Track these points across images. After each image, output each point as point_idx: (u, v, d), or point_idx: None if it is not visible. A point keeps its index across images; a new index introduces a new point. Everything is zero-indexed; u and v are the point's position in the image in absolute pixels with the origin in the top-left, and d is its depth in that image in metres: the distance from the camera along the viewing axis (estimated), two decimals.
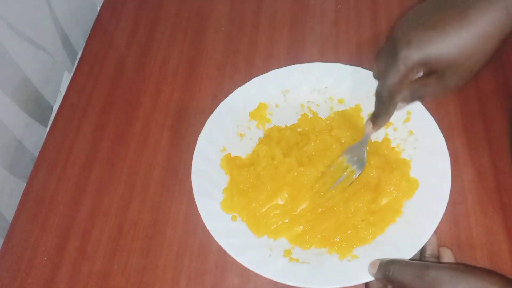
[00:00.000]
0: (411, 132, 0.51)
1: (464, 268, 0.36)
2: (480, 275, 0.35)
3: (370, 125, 0.47)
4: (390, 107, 0.43)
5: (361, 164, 0.48)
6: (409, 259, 0.42)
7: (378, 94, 0.42)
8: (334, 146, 0.50)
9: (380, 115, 0.45)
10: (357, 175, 0.48)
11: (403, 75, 0.39)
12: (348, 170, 0.48)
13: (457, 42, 0.36)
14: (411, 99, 0.42)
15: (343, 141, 0.51)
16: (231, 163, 0.51)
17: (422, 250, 0.44)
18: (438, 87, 0.40)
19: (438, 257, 0.44)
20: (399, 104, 0.44)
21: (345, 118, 0.53)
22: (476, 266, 0.38)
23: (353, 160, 0.49)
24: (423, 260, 0.44)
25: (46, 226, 0.52)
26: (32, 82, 0.61)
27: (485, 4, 0.35)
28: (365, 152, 0.48)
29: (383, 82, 0.41)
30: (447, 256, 0.43)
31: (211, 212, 0.47)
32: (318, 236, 0.46)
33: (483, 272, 0.35)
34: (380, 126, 0.47)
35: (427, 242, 0.43)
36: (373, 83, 0.53)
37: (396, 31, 0.39)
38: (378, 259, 0.41)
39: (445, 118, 0.54)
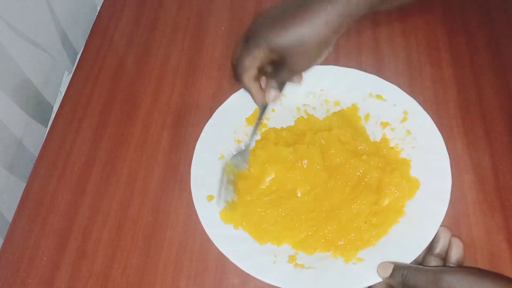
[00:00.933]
0: (408, 132, 0.51)
1: (479, 272, 0.36)
2: (496, 280, 0.35)
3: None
4: (239, 83, 0.49)
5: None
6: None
7: (233, 69, 0.49)
8: (335, 145, 0.50)
9: (251, 95, 0.50)
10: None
11: (253, 61, 0.47)
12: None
13: (297, 33, 0.44)
14: (275, 84, 0.48)
15: (343, 140, 0.51)
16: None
17: (432, 247, 0.44)
18: (287, 71, 0.48)
19: (443, 257, 0.44)
20: (271, 92, 0.48)
21: (344, 118, 0.53)
22: (491, 271, 0.38)
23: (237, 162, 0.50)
24: (428, 258, 0.43)
25: (46, 226, 0.52)
26: (32, 82, 0.61)
27: (320, 7, 0.44)
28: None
29: (239, 62, 0.48)
30: (457, 247, 0.43)
31: (212, 220, 0.46)
32: (322, 240, 0.46)
33: (498, 277, 0.36)
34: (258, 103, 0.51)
35: (439, 240, 0.43)
36: (369, 85, 0.53)
37: (253, 27, 0.47)
38: (388, 262, 0.41)
39: (445, 118, 0.54)
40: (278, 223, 0.47)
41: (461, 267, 0.40)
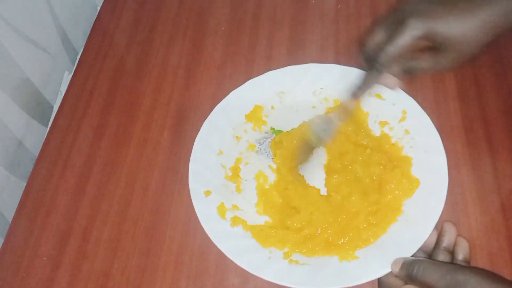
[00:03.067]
0: (407, 131, 0.51)
1: (492, 275, 0.36)
2: (507, 285, 0.35)
3: (349, 98, 0.47)
4: (377, 78, 0.44)
5: (324, 137, 0.48)
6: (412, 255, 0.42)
7: (368, 61, 0.43)
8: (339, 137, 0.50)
9: (364, 84, 0.45)
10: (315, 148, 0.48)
11: (408, 44, 0.40)
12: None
13: (464, 23, 0.38)
14: (403, 72, 0.43)
15: (345, 132, 0.51)
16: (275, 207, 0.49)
17: (438, 242, 0.44)
18: (432, 64, 0.42)
19: (451, 251, 0.44)
20: (389, 79, 0.44)
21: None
22: (503, 277, 0.38)
23: (319, 130, 0.48)
24: (436, 251, 0.44)
25: (46, 226, 0.52)
26: (32, 82, 0.61)
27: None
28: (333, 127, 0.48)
29: (385, 49, 0.41)
30: (463, 247, 0.43)
31: (209, 216, 0.47)
32: (322, 243, 0.46)
33: (508, 283, 0.35)
34: (358, 97, 0.47)
35: (446, 234, 0.43)
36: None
37: (406, 4, 0.41)
38: (401, 258, 0.41)
39: (445, 118, 0.54)
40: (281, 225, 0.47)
41: (477, 268, 0.40)
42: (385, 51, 0.41)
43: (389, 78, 0.44)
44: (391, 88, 0.45)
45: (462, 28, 0.39)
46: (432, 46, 0.41)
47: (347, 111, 0.48)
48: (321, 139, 0.48)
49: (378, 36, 0.43)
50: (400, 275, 0.41)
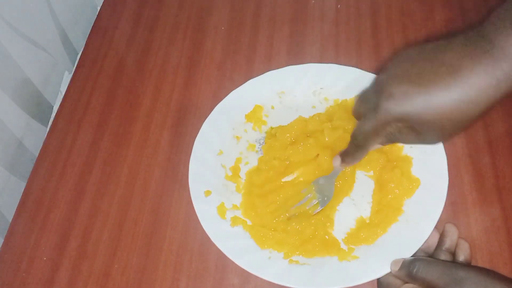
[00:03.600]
0: None
1: (493, 273, 0.36)
2: (508, 283, 0.35)
3: (339, 160, 0.46)
4: (362, 151, 0.43)
5: (327, 197, 0.48)
6: (411, 255, 0.42)
7: (353, 136, 0.42)
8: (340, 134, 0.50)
9: (350, 155, 0.44)
10: (320, 209, 0.47)
11: (380, 126, 0.38)
12: (312, 201, 0.48)
13: (440, 104, 0.34)
14: (387, 142, 0.42)
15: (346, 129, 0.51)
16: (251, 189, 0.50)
17: (440, 243, 0.44)
18: (414, 140, 0.39)
19: (453, 252, 0.44)
20: (376, 146, 0.44)
21: (346, 110, 0.53)
22: (505, 275, 0.38)
23: (321, 191, 0.48)
24: (438, 252, 0.44)
25: (46, 226, 0.52)
26: (32, 82, 0.61)
27: (474, 70, 0.33)
28: (333, 186, 0.48)
29: (360, 126, 0.40)
30: (464, 249, 0.43)
31: (210, 216, 0.47)
32: (322, 245, 0.46)
33: (510, 282, 0.35)
34: (348, 165, 0.46)
35: (448, 235, 0.43)
36: (368, 83, 0.53)
37: (382, 78, 0.38)
38: (400, 258, 0.41)
39: None
40: (279, 226, 0.47)
41: (477, 266, 0.40)
42: (360, 129, 0.40)
43: (374, 146, 0.43)
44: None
45: (436, 111, 0.34)
46: (411, 127, 0.38)
47: (339, 173, 0.48)
48: (324, 198, 0.48)
49: (359, 110, 0.42)
50: (400, 275, 0.41)
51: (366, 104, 0.40)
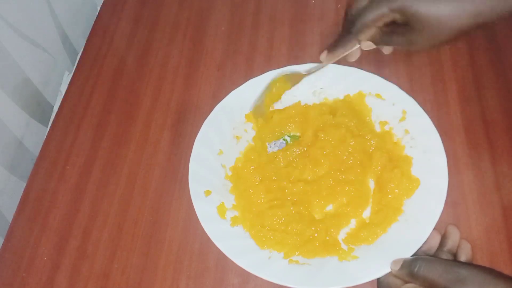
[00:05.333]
0: (407, 131, 0.51)
1: (495, 272, 0.36)
2: (509, 281, 0.35)
3: (325, 52, 0.48)
4: (352, 39, 0.45)
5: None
6: (411, 255, 0.42)
7: (348, 23, 0.45)
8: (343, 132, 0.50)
9: (339, 44, 0.47)
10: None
11: (379, 11, 0.42)
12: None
13: (439, 7, 0.39)
14: (378, 41, 0.45)
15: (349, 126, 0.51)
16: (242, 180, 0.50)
17: (442, 244, 0.44)
18: (403, 40, 0.43)
19: (454, 253, 0.44)
20: (366, 43, 0.46)
21: (349, 106, 0.53)
22: (506, 274, 0.38)
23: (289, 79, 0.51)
24: (439, 253, 0.44)
25: (46, 226, 0.52)
26: (33, 82, 0.61)
27: None
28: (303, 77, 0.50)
29: (360, 14, 0.43)
30: (466, 250, 0.43)
31: (210, 216, 0.47)
32: (322, 246, 0.46)
33: (510, 280, 0.35)
34: (334, 57, 0.48)
35: (450, 237, 0.44)
36: (368, 84, 0.53)
37: None
38: (401, 258, 0.41)
39: (445, 118, 0.54)
40: (279, 227, 0.47)
41: (479, 265, 0.40)
42: (362, 17, 0.43)
43: (364, 43, 0.45)
44: (364, 49, 0.46)
45: (436, 12, 0.39)
46: (406, 22, 0.41)
47: (320, 66, 0.50)
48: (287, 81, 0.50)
49: (362, 2, 0.44)
50: (401, 274, 0.40)
51: (372, 1, 0.43)
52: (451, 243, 0.44)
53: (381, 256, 0.43)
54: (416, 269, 0.39)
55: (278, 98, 0.54)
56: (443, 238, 0.44)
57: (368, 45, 0.46)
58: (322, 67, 0.51)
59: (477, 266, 0.37)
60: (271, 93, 0.53)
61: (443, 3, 0.39)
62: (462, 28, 0.39)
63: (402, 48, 0.45)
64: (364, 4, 0.44)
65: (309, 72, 0.52)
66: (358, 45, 0.47)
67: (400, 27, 0.42)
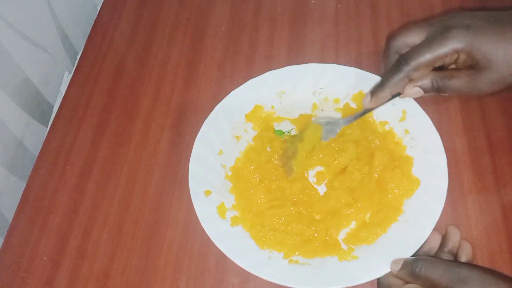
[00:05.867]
0: (407, 131, 0.51)
1: (497, 273, 0.36)
2: (509, 282, 0.35)
3: (369, 97, 0.45)
4: (402, 79, 0.41)
5: (329, 134, 0.49)
6: (412, 256, 0.42)
7: (400, 63, 0.40)
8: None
9: (386, 85, 0.42)
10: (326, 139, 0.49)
11: (442, 50, 0.38)
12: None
13: (510, 47, 0.36)
14: (431, 87, 0.41)
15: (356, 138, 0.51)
16: (242, 180, 0.50)
17: (442, 244, 0.44)
18: (467, 84, 0.39)
19: (455, 254, 0.44)
20: (414, 90, 0.42)
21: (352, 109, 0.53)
22: (507, 275, 0.38)
23: (328, 130, 0.50)
24: (440, 254, 0.44)
25: (46, 226, 0.52)
26: (33, 82, 0.61)
27: None
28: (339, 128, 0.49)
29: (417, 51, 0.39)
30: (467, 250, 0.43)
31: (210, 216, 0.47)
32: (322, 246, 0.46)
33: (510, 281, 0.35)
34: (379, 101, 0.45)
35: (451, 238, 0.44)
36: (368, 83, 0.53)
37: (454, 15, 0.39)
38: (401, 258, 0.41)
39: (445, 118, 0.54)
40: (279, 227, 0.47)
41: (479, 265, 0.40)
42: (420, 55, 0.39)
43: (413, 88, 0.41)
44: (411, 96, 0.43)
45: (505, 53, 0.37)
46: (470, 64, 0.38)
47: (362, 113, 0.47)
48: (324, 136, 0.48)
49: (413, 37, 0.40)
50: (401, 274, 0.40)
51: (425, 32, 0.40)
52: (451, 244, 0.44)
53: (381, 256, 0.43)
54: (417, 269, 0.39)
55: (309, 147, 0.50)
56: (444, 239, 0.44)
57: (416, 92, 0.42)
58: (362, 114, 0.48)
59: (478, 266, 0.37)
60: (304, 143, 0.49)
61: None
62: None
63: (458, 94, 0.41)
64: (414, 40, 0.40)
65: (347, 122, 0.49)
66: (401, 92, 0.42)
67: (458, 70, 0.39)
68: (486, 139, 0.53)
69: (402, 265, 0.40)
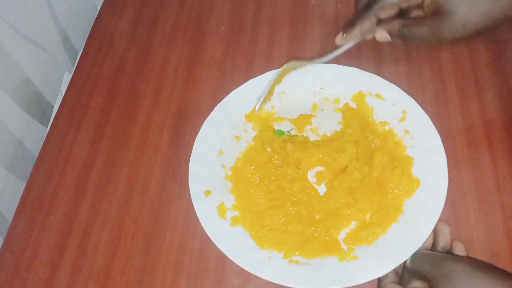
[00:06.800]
0: (407, 131, 0.51)
1: (482, 264, 0.36)
2: (497, 275, 0.35)
3: (341, 34, 0.46)
4: (369, 18, 0.42)
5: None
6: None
7: (370, 3, 0.42)
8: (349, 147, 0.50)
9: (356, 23, 0.44)
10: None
11: None
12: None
13: None
14: (397, 33, 0.42)
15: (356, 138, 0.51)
16: (241, 180, 0.50)
17: (435, 243, 0.44)
18: (429, 31, 0.40)
19: (450, 251, 0.44)
20: (382, 33, 0.43)
21: (355, 113, 0.53)
22: (496, 266, 0.38)
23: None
24: (437, 249, 0.44)
25: (46, 226, 0.52)
26: (33, 82, 0.61)
27: None
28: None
29: None
30: (459, 250, 0.43)
31: (210, 216, 0.47)
32: (322, 246, 0.46)
33: (500, 272, 0.35)
34: (350, 37, 0.46)
35: (441, 234, 0.44)
36: (368, 84, 0.53)
37: None
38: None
39: (445, 118, 0.54)
40: (279, 227, 0.47)
41: (467, 257, 0.40)
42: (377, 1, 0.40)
43: (381, 32, 0.43)
44: (379, 40, 0.44)
45: (471, 2, 0.37)
46: (435, 9, 0.39)
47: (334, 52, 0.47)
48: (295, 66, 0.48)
49: None
50: (398, 268, 0.41)
51: None
52: (443, 240, 0.44)
53: (381, 256, 0.43)
54: (407, 262, 0.39)
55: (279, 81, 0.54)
56: (435, 236, 0.44)
57: (384, 36, 0.44)
58: (335, 53, 0.48)
59: (465, 259, 0.37)
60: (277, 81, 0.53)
61: None
62: (495, 19, 0.38)
63: (421, 41, 0.42)
64: None
65: (313, 61, 0.50)
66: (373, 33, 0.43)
67: (423, 18, 0.40)
68: (486, 139, 0.53)
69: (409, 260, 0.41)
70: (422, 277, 0.39)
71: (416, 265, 0.39)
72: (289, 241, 0.45)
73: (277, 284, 0.43)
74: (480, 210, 0.49)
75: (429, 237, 0.44)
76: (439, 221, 0.44)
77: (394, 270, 0.42)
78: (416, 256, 0.39)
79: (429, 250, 0.44)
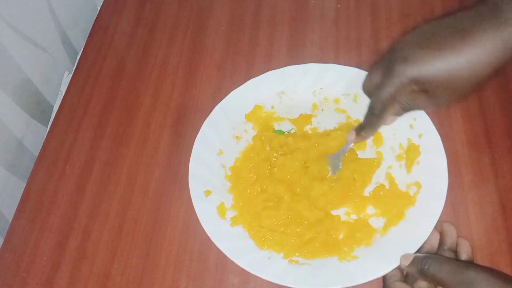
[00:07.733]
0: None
1: (502, 274, 0.36)
2: None
3: (354, 135, 0.47)
4: (379, 121, 0.44)
5: (335, 169, 0.49)
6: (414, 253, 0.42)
7: (370, 108, 0.43)
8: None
9: (367, 127, 0.45)
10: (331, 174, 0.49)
11: (397, 90, 0.40)
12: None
13: (451, 65, 0.37)
14: (402, 112, 0.43)
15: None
16: (239, 179, 0.50)
17: (441, 243, 0.44)
18: (428, 104, 0.41)
19: (455, 250, 0.44)
20: (391, 118, 0.45)
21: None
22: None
23: (331, 165, 0.49)
24: (441, 252, 0.44)
25: (46, 226, 0.52)
26: (33, 82, 0.61)
27: (484, 33, 0.36)
28: (341, 160, 0.49)
29: (377, 95, 0.41)
30: (465, 247, 0.43)
31: (210, 216, 0.47)
32: (322, 246, 0.46)
33: None
34: (364, 138, 0.47)
35: (448, 234, 0.44)
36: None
37: (395, 48, 0.40)
38: (410, 253, 0.41)
39: (445, 118, 0.54)
40: (278, 228, 0.47)
41: (486, 267, 0.40)
42: (377, 97, 0.41)
43: (389, 118, 0.44)
44: (389, 124, 0.46)
45: (448, 70, 0.37)
46: (423, 90, 0.39)
47: (350, 147, 0.49)
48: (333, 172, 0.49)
49: (375, 79, 0.43)
50: (410, 270, 0.41)
51: (380, 72, 0.42)
52: (450, 241, 0.44)
53: (381, 256, 0.43)
54: (426, 267, 0.39)
55: None
56: (442, 236, 0.44)
57: (393, 120, 0.45)
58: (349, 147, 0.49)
59: (486, 269, 0.37)
60: None
61: (453, 60, 0.37)
62: (486, 74, 0.37)
63: (427, 109, 0.44)
64: (376, 81, 0.42)
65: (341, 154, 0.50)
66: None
67: (420, 93, 0.40)
68: (486, 139, 0.53)
69: (412, 261, 0.41)
70: (434, 281, 0.39)
71: (432, 271, 0.38)
72: (288, 243, 0.45)
73: (277, 284, 0.43)
74: (480, 210, 0.49)
75: (435, 237, 0.44)
76: (443, 221, 0.44)
77: (398, 268, 0.42)
78: (434, 262, 0.39)
79: (436, 251, 0.44)
